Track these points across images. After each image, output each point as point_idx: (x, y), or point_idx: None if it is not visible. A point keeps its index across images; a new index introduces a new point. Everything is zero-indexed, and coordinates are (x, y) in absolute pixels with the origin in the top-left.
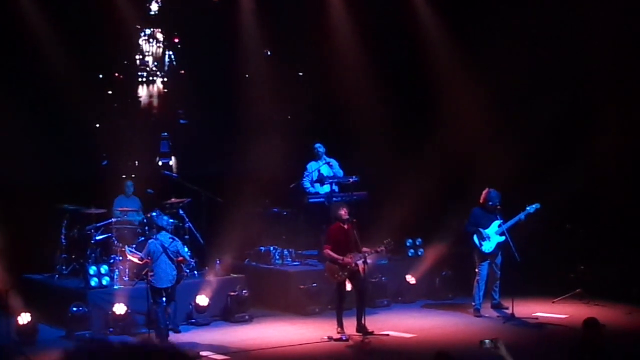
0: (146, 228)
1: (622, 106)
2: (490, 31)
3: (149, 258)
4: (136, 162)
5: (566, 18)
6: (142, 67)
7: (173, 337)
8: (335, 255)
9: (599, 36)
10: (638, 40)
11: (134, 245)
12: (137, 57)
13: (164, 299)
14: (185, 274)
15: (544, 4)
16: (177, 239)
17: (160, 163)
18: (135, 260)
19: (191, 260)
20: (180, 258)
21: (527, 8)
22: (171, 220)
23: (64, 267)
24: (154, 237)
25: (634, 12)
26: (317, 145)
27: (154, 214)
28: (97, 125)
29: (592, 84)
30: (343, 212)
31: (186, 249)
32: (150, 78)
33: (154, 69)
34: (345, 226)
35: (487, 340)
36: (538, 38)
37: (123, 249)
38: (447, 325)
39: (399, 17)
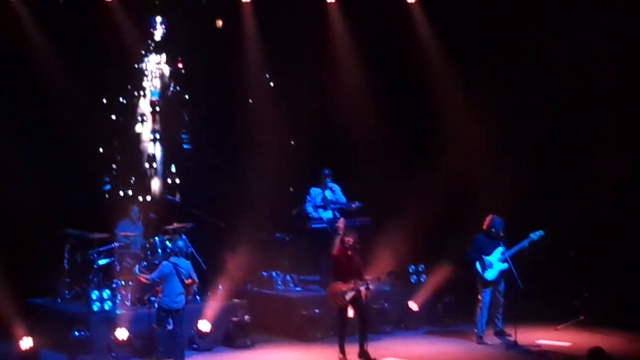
0: (148, 253)
1: (623, 128)
2: (490, 53)
3: (160, 280)
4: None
5: (565, 38)
6: (146, 91)
7: None
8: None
9: (598, 56)
10: (637, 59)
11: (144, 264)
12: (140, 81)
13: (170, 320)
14: (194, 293)
15: (542, 23)
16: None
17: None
18: (143, 280)
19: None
20: (190, 280)
21: (526, 27)
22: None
23: (66, 292)
24: (168, 259)
25: (633, 31)
26: (325, 169)
27: (156, 238)
28: (100, 150)
29: (594, 107)
30: (349, 239)
31: None
32: (154, 103)
33: (158, 94)
34: (349, 252)
35: None
36: (537, 61)
37: (132, 267)
38: (450, 352)
39: (401, 42)
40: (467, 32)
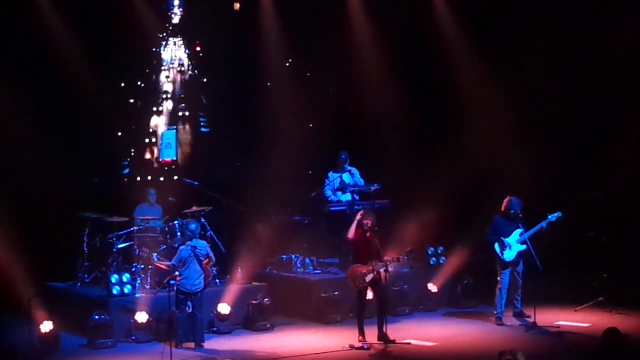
0: (167, 236)
1: None
2: (513, 39)
3: (180, 264)
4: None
5: (588, 27)
6: (164, 75)
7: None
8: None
9: (620, 43)
10: None
11: (163, 247)
12: (158, 65)
13: (189, 303)
14: (213, 275)
15: (567, 12)
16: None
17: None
18: (163, 267)
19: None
20: (207, 260)
21: (551, 16)
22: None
23: (86, 275)
24: (185, 243)
25: None
26: (342, 154)
27: (176, 222)
28: (119, 134)
29: (614, 91)
30: (367, 221)
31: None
32: (172, 87)
33: (176, 77)
34: (368, 235)
35: (506, 352)
36: (560, 46)
37: (149, 255)
38: (469, 333)
39: (422, 27)
40: (490, 17)
